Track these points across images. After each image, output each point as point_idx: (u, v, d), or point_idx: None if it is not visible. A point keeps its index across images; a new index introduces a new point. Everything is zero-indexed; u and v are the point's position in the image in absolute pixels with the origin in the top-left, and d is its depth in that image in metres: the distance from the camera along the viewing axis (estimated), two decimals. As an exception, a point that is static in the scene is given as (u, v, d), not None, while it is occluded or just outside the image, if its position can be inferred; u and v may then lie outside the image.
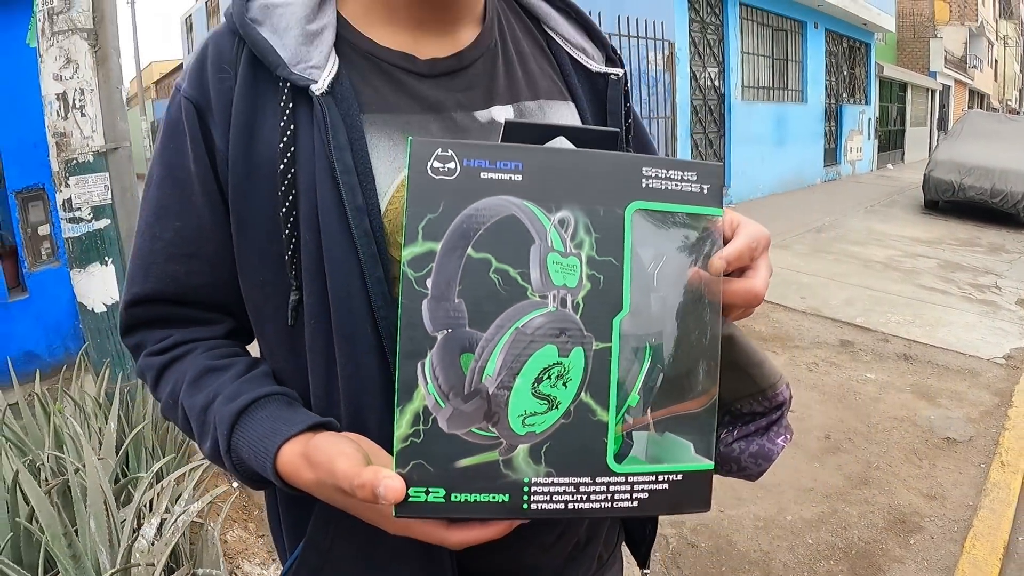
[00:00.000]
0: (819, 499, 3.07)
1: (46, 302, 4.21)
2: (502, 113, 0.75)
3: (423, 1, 0.72)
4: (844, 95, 15.56)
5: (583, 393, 0.55)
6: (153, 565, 1.74)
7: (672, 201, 0.57)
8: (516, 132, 0.61)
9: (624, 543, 0.96)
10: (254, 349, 0.79)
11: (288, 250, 0.67)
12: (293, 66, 0.67)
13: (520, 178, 0.54)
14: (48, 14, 2.91)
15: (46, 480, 2.05)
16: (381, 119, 0.69)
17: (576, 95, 0.82)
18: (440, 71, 0.74)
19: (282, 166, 0.66)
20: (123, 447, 2.35)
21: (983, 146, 10.57)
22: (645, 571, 0.96)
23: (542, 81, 0.81)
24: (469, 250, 0.53)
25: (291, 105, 0.67)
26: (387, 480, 0.51)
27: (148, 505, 2.07)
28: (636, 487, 0.56)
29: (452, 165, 0.54)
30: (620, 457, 0.56)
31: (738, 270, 0.63)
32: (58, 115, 2.96)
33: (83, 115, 2.98)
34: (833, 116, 14.98)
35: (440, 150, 0.54)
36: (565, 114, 0.80)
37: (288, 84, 0.67)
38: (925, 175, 10.80)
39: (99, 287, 3.00)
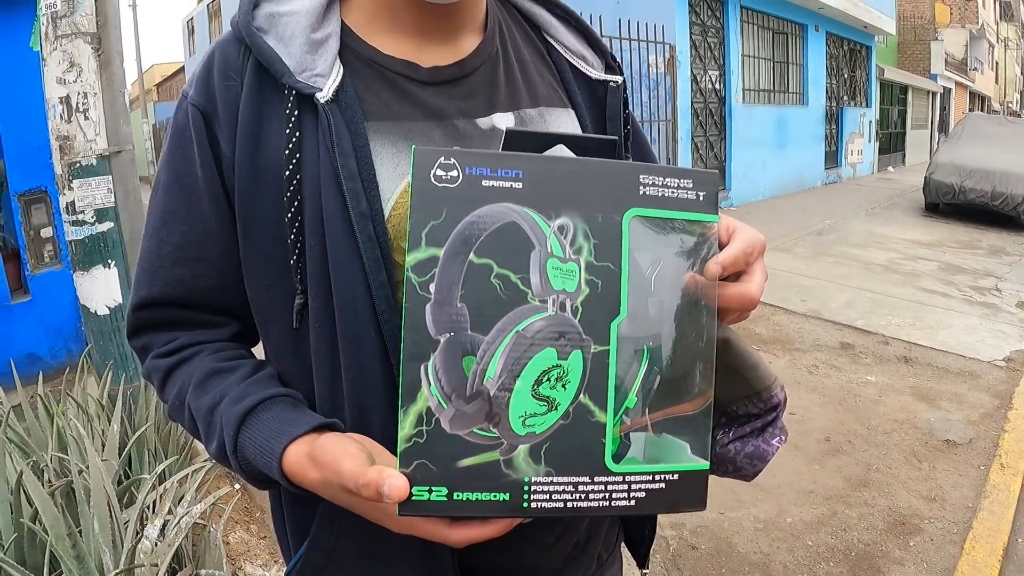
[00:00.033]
0: (819, 501, 3.07)
1: (48, 304, 4.22)
2: (503, 120, 0.76)
3: (426, 10, 0.74)
4: (845, 98, 15.58)
5: (582, 395, 0.56)
6: (157, 566, 1.75)
7: (669, 208, 0.59)
8: (517, 140, 0.63)
9: (623, 543, 0.98)
10: (258, 351, 0.81)
11: (293, 254, 0.69)
12: (298, 74, 0.69)
13: (520, 186, 0.56)
14: (52, 18, 2.93)
15: (49, 481, 2.06)
16: (384, 126, 0.71)
17: (576, 102, 0.84)
18: (442, 79, 0.75)
19: (288, 172, 0.68)
20: (126, 449, 2.37)
21: (984, 149, 10.58)
22: (644, 571, 0.97)
23: (542, 88, 0.82)
24: (471, 256, 0.55)
25: (296, 112, 0.68)
26: (391, 479, 0.53)
27: (151, 506, 2.08)
28: (633, 486, 0.57)
29: (454, 173, 0.55)
30: (618, 457, 0.57)
31: (734, 275, 0.64)
32: (61, 118, 2.98)
33: (86, 118, 3.00)
34: (834, 119, 15.00)
35: (443, 158, 0.55)
36: (565, 121, 0.82)
37: (294, 92, 0.68)
38: (926, 178, 10.81)
39: (102, 290, 3.02)
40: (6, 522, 1.88)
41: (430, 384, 0.54)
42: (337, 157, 0.66)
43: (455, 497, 0.54)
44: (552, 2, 0.88)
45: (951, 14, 27.17)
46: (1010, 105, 37.49)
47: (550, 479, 0.56)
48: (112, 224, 3.02)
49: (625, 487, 0.57)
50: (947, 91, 26.09)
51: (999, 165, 10.09)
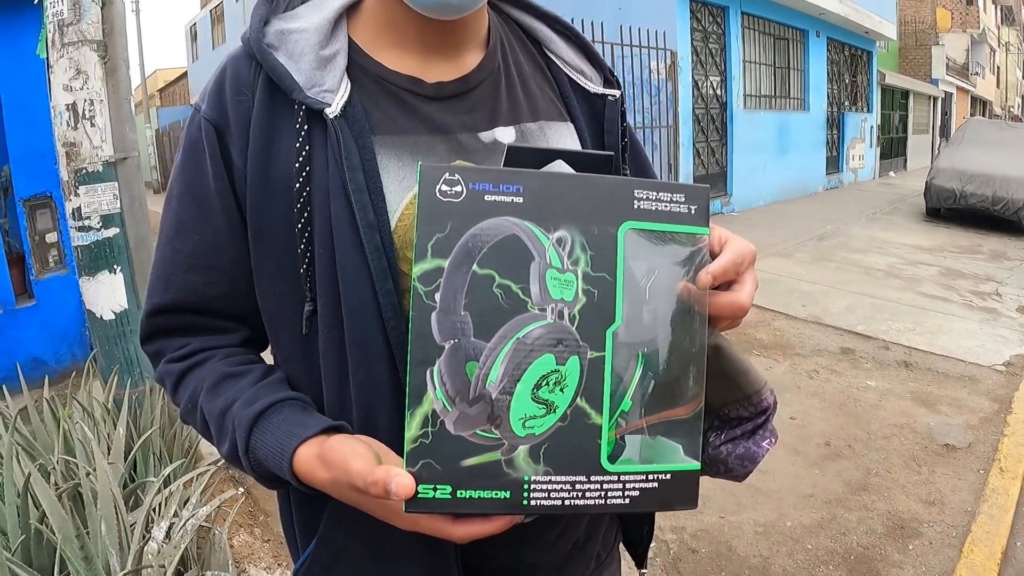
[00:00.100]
0: (819, 505, 3.09)
1: (53, 309, 4.25)
2: (505, 134, 0.79)
3: (430, 26, 0.76)
4: (846, 103, 15.61)
5: (579, 398, 0.59)
6: (164, 567, 1.77)
7: (662, 221, 0.62)
8: (518, 156, 0.66)
9: (622, 544, 1.00)
10: (266, 356, 0.84)
11: (303, 263, 0.71)
12: (308, 90, 0.71)
13: (521, 200, 0.59)
14: (58, 25, 2.95)
15: (56, 484, 2.08)
16: (391, 140, 0.74)
17: (575, 115, 0.87)
18: (446, 94, 0.78)
19: (298, 184, 0.71)
20: (132, 452, 2.39)
21: (985, 153, 10.60)
22: (643, 571, 1.00)
23: (542, 103, 0.85)
24: (474, 267, 0.58)
25: (306, 127, 0.71)
26: (398, 478, 0.55)
27: (156, 509, 2.10)
28: (628, 485, 0.60)
29: (459, 188, 0.58)
30: (613, 458, 0.60)
31: (725, 284, 0.67)
32: (68, 125, 3.00)
33: (93, 125, 3.02)
34: (835, 124, 15.03)
35: (448, 174, 0.58)
36: (564, 134, 0.84)
37: (303, 107, 0.71)
38: (927, 182, 10.82)
39: (108, 295, 3.04)
40: (13, 524, 1.91)
41: (435, 388, 0.57)
42: (345, 170, 0.69)
43: (459, 495, 0.57)
44: (552, 18, 0.91)
45: (952, 19, 27.22)
46: (1011, 110, 37.49)
47: (549, 478, 0.59)
48: (118, 230, 3.04)
49: (620, 486, 0.60)
50: (948, 96, 26.11)
51: (1000, 170, 10.11)
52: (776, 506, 3.08)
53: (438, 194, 0.58)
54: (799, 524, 2.95)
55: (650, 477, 0.61)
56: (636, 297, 0.61)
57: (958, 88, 27.20)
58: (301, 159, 0.71)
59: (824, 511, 3.04)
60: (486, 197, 0.58)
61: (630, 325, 0.61)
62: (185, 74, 28.76)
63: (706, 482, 0.68)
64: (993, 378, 4.56)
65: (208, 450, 3.02)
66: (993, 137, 11.06)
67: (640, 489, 0.61)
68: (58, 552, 1.73)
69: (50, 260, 4.33)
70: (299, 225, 0.71)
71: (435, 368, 0.57)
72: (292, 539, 0.85)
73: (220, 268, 0.77)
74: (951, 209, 10.62)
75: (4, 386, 2.96)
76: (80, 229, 3.00)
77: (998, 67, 35.33)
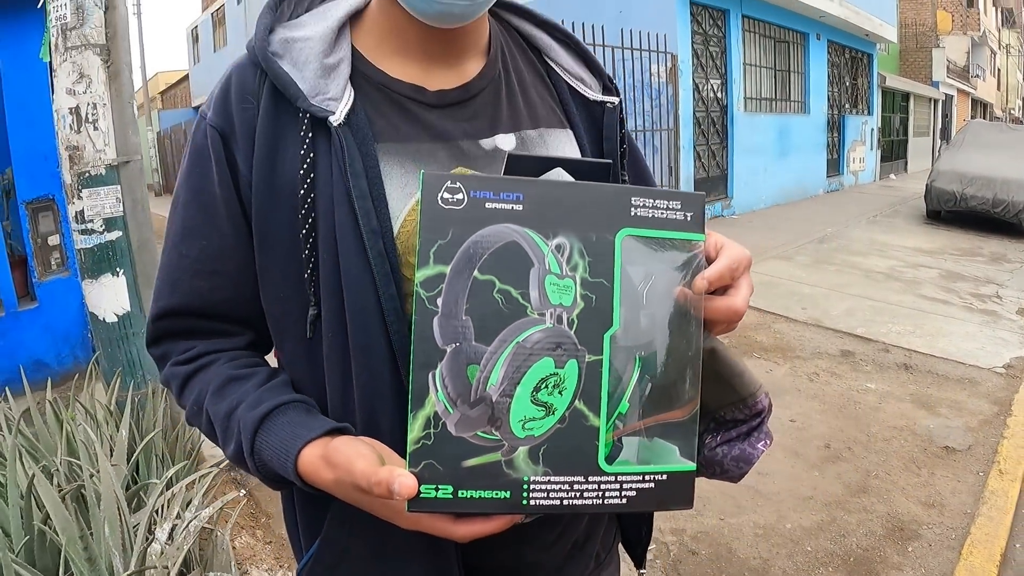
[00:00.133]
0: (818, 507, 3.10)
1: (55, 311, 4.26)
2: (505, 141, 0.81)
3: (432, 35, 0.78)
4: (846, 106, 15.63)
5: (577, 401, 0.61)
6: (167, 568, 1.78)
7: (658, 228, 0.63)
8: (518, 164, 0.68)
9: (621, 544, 1.02)
10: (270, 359, 0.85)
11: (307, 269, 0.73)
12: (312, 98, 0.73)
13: (521, 208, 0.61)
14: (62, 29, 2.97)
15: (59, 486, 2.10)
16: (393, 148, 0.75)
17: (574, 123, 0.88)
18: (448, 102, 0.79)
19: (302, 191, 0.72)
20: (134, 454, 2.41)
21: (985, 156, 10.61)
22: (641, 571, 1.01)
23: (542, 110, 0.86)
24: (475, 273, 0.59)
25: (311, 135, 0.72)
26: (401, 478, 0.57)
27: (159, 511, 2.12)
28: (625, 486, 0.62)
29: (460, 196, 0.60)
30: (611, 459, 0.62)
31: (721, 289, 0.69)
32: (71, 128, 3.01)
33: (96, 129, 3.03)
34: (835, 127, 15.05)
35: (449, 182, 0.60)
36: (564, 141, 0.86)
37: (308, 115, 0.72)
38: (927, 185, 10.83)
39: (110, 297, 3.05)
40: (17, 525, 1.92)
41: (437, 391, 0.58)
42: (349, 178, 0.70)
43: (460, 495, 0.59)
44: (552, 25, 0.93)
45: (953, 21, 27.24)
46: (1012, 112, 37.50)
47: (548, 478, 0.60)
48: (121, 233, 3.05)
49: (617, 486, 0.62)
50: (949, 98, 26.12)
51: (1000, 172, 10.12)
52: (776, 508, 3.09)
53: (440, 202, 0.59)
54: (799, 526, 2.95)
55: (647, 478, 0.62)
56: (634, 302, 0.62)
57: (959, 90, 27.22)
58: (306, 166, 0.72)
59: (824, 513, 3.05)
60: (487, 205, 0.60)
61: (627, 329, 0.62)
62: (186, 77, 28.78)
63: (706, 484, 0.70)
64: (993, 380, 4.56)
65: (210, 452, 3.03)
66: (994, 139, 11.07)
67: (637, 489, 0.62)
68: (62, 553, 1.74)
69: (52, 263, 4.34)
70: (303, 231, 0.72)
71: (437, 371, 0.59)
72: (296, 539, 0.86)
73: (226, 273, 0.78)
74: (952, 212, 10.63)
75: (7, 388, 2.97)
76: (83, 232, 3.01)
77: (999, 69, 35.35)
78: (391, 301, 0.70)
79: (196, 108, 24.36)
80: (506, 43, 0.89)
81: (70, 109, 3.01)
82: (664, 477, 0.63)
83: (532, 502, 0.60)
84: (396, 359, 0.71)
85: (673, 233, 0.64)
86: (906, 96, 21.10)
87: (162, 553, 1.88)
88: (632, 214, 0.63)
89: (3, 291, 4.03)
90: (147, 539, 1.91)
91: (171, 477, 2.23)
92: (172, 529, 1.99)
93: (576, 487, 0.61)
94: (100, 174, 3.00)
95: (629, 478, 0.62)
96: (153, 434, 2.52)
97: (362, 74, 0.78)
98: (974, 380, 4.57)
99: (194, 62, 26.54)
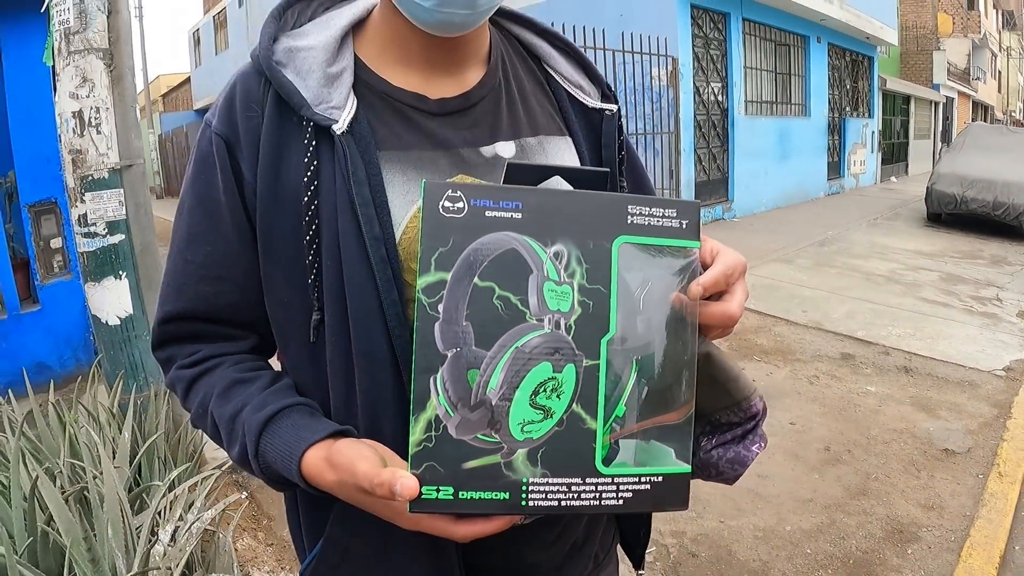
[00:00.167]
0: (818, 510, 3.11)
1: (57, 314, 4.28)
2: (505, 148, 0.82)
3: (434, 44, 0.79)
4: (847, 108, 15.63)
5: (574, 404, 0.62)
6: (171, 570, 1.80)
7: (654, 235, 0.65)
8: (517, 172, 0.69)
9: (620, 546, 1.03)
10: (274, 363, 0.86)
11: (311, 274, 0.74)
12: (316, 106, 0.74)
13: (520, 216, 0.62)
14: (65, 34, 2.98)
15: (62, 488, 2.11)
16: (395, 156, 0.76)
17: (573, 130, 0.89)
18: (449, 110, 0.81)
19: (306, 198, 0.73)
20: (137, 457, 2.42)
21: (986, 159, 10.61)
22: (640, 572, 1.02)
23: (542, 118, 0.88)
24: (475, 279, 0.61)
25: (314, 143, 0.74)
26: (403, 479, 0.58)
27: (161, 513, 2.13)
28: (621, 487, 0.63)
29: (461, 204, 0.61)
30: (607, 461, 0.63)
31: (716, 294, 0.70)
32: (74, 132, 3.03)
33: (99, 133, 3.05)
34: (836, 130, 15.06)
35: (450, 191, 0.61)
36: (563, 148, 0.87)
37: (311, 123, 0.74)
38: (928, 188, 10.83)
39: (113, 300, 3.06)
40: (20, 527, 1.93)
41: (438, 394, 0.60)
42: (352, 185, 0.72)
43: (460, 496, 0.60)
44: (552, 34, 0.94)
45: (953, 24, 27.27)
46: (1013, 114, 37.49)
47: (546, 480, 0.62)
48: (123, 236, 3.07)
49: (614, 488, 0.63)
50: (950, 101, 26.14)
51: (1001, 175, 10.12)
52: (776, 511, 3.10)
53: (441, 210, 0.61)
54: (798, 529, 2.96)
55: (643, 479, 0.64)
56: (630, 307, 0.64)
57: (959, 93, 27.24)
58: (309, 174, 0.73)
59: (823, 516, 3.06)
60: (487, 213, 0.61)
61: (624, 334, 0.64)
62: (188, 79, 28.81)
63: (706, 487, 0.71)
64: (993, 383, 4.57)
65: (212, 455, 3.05)
66: (994, 142, 11.08)
67: (633, 491, 0.64)
68: (66, 554, 1.75)
69: (55, 265, 4.36)
70: (307, 237, 0.73)
71: (438, 375, 0.60)
72: (299, 540, 0.88)
73: (231, 278, 0.79)
74: (952, 214, 10.63)
75: (10, 390, 2.98)
76: (86, 235, 3.03)
77: (999, 72, 35.38)
78: (393, 306, 0.71)
79: (198, 111, 24.41)
80: (506, 51, 0.90)
81: (73, 113, 3.02)
82: (660, 479, 0.64)
83: (530, 503, 0.61)
84: (398, 363, 0.72)
85: (669, 240, 0.65)
86: (907, 99, 21.11)
87: (165, 554, 1.89)
88: (629, 222, 0.64)
89: (5, 294, 4.04)
90: (150, 541, 1.92)
91: (173, 479, 2.24)
92: (175, 531, 2.00)
93: (573, 488, 0.62)
94: (103, 178, 3.01)
95: (625, 480, 0.63)
96: (155, 436, 2.54)
97: (364, 83, 0.79)
98: (974, 383, 4.58)
99: (195, 65, 26.58)
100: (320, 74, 0.76)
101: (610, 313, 0.63)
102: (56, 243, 4.37)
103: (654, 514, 0.96)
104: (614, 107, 0.91)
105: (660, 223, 0.65)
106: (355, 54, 0.80)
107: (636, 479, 0.64)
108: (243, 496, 2.91)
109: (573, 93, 0.91)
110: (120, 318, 3.07)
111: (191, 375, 0.80)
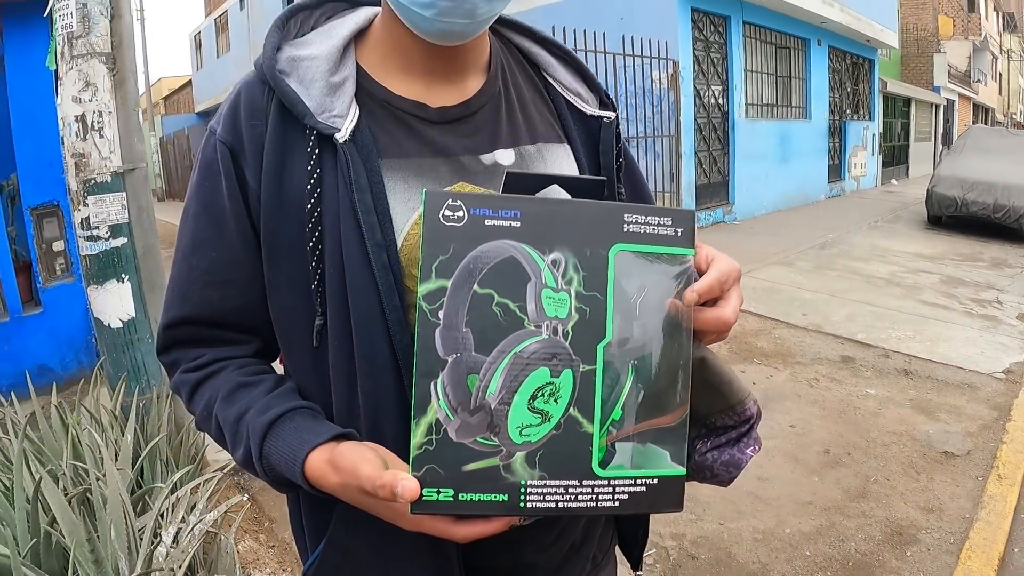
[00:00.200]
0: (818, 512, 3.12)
1: (59, 316, 4.29)
2: (504, 156, 0.83)
3: (435, 53, 0.81)
4: (848, 111, 15.64)
5: (572, 408, 0.64)
6: (174, 571, 1.81)
7: (650, 243, 0.66)
8: (516, 181, 0.71)
9: (618, 546, 1.04)
10: (277, 367, 0.88)
11: (314, 280, 0.75)
12: (318, 115, 0.75)
13: (518, 224, 0.63)
14: (67, 38, 3.00)
15: (65, 489, 2.12)
16: (397, 163, 0.78)
17: (571, 137, 0.91)
18: (449, 118, 0.82)
19: (309, 205, 0.75)
20: (139, 459, 2.43)
21: (986, 161, 10.61)
22: (638, 573, 1.04)
23: (541, 126, 0.89)
24: (475, 286, 0.63)
25: (317, 151, 0.75)
26: (404, 481, 0.60)
27: (164, 515, 2.14)
28: (617, 489, 0.65)
29: (460, 213, 0.63)
30: (604, 463, 0.65)
31: (711, 300, 0.71)
32: (77, 136, 3.04)
33: (101, 136, 3.06)
34: (837, 132, 15.06)
35: (451, 200, 0.63)
36: (561, 156, 0.88)
37: (314, 132, 0.75)
38: (928, 190, 10.83)
39: (116, 303, 3.08)
40: (23, 529, 1.94)
41: (439, 398, 0.61)
42: (355, 193, 0.73)
43: (460, 497, 0.62)
44: (551, 42, 0.96)
45: (954, 26, 27.28)
46: (1014, 117, 37.48)
47: (544, 482, 0.63)
48: (126, 239, 3.08)
49: (610, 490, 0.65)
50: (950, 103, 26.15)
51: (1002, 177, 10.12)
52: (775, 513, 3.11)
53: (442, 219, 0.62)
54: (798, 531, 2.97)
55: (638, 482, 0.65)
56: (627, 313, 0.65)
57: (960, 95, 27.24)
58: (312, 181, 0.75)
59: (823, 518, 3.07)
60: (486, 222, 0.63)
61: (620, 340, 0.65)
62: (189, 82, 28.84)
63: (705, 490, 0.72)
64: (992, 386, 4.58)
65: (214, 457, 3.06)
66: (995, 145, 11.08)
67: (629, 493, 0.65)
68: (69, 556, 1.77)
69: (57, 268, 4.37)
70: (310, 244, 0.75)
71: (439, 380, 0.61)
72: (301, 541, 0.89)
73: (235, 284, 0.80)
74: (953, 217, 10.63)
75: (13, 393, 3.00)
76: (88, 239, 3.04)
77: (1000, 74, 35.38)
78: (395, 312, 0.73)
79: (199, 113, 24.45)
80: (506, 60, 0.92)
81: (76, 117, 3.04)
82: (655, 481, 0.66)
83: (529, 504, 0.63)
84: (399, 367, 0.73)
85: (664, 248, 0.67)
86: (907, 101, 21.11)
87: (167, 556, 1.90)
88: (625, 230, 0.66)
89: (8, 296, 4.06)
90: (153, 542, 1.93)
91: (176, 481, 2.25)
92: (177, 532, 2.01)
93: (571, 490, 0.63)
94: (106, 181, 3.02)
95: (621, 482, 0.65)
96: (158, 439, 2.55)
97: (366, 91, 0.80)
98: (974, 385, 4.59)
99: (197, 67, 26.61)
100: (323, 83, 0.77)
101: (606, 319, 0.64)
102: (58, 246, 4.39)
103: (653, 516, 0.97)
104: (612, 115, 0.93)
105: (656, 231, 0.67)
106: (357, 63, 0.82)
107: (632, 481, 0.65)
108: (245, 498, 2.92)
109: (572, 101, 0.93)
110: (122, 321, 3.08)
111: (196, 379, 0.81)
